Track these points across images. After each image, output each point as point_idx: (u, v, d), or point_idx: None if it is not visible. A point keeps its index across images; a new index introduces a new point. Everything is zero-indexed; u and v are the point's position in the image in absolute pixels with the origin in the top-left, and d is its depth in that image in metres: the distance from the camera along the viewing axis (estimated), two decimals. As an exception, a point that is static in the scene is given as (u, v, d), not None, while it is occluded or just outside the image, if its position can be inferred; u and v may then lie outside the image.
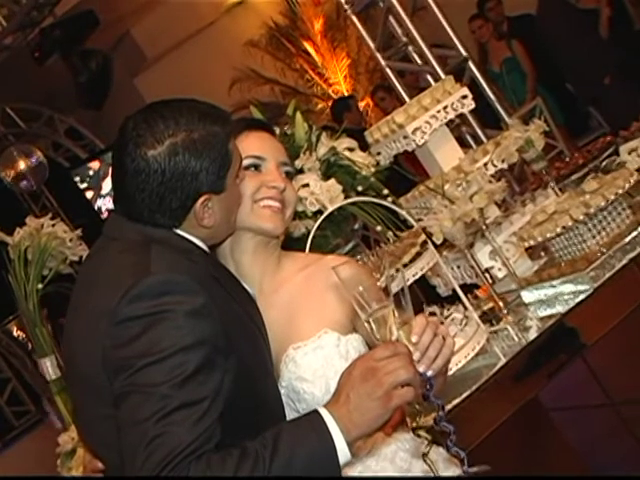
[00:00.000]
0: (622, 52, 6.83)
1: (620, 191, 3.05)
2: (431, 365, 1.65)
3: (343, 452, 1.56)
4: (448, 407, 1.95)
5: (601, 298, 2.92)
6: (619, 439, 3.12)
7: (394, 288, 1.63)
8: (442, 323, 2.73)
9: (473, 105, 3.69)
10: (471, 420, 2.60)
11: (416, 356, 1.63)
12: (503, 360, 2.83)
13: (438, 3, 5.15)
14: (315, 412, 1.59)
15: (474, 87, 4.92)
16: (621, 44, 6.90)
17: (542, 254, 3.42)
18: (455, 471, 1.89)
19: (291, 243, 2.41)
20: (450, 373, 2.39)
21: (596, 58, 6.74)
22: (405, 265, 2.74)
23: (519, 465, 2.82)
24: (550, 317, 2.97)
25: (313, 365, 1.85)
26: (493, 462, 1.69)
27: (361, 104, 8.76)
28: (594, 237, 3.06)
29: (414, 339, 1.64)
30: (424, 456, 1.73)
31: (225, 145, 1.76)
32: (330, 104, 8.68)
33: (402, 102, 4.62)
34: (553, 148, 5.82)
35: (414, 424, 1.69)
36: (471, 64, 5.34)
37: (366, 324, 1.66)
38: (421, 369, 1.64)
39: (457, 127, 4.77)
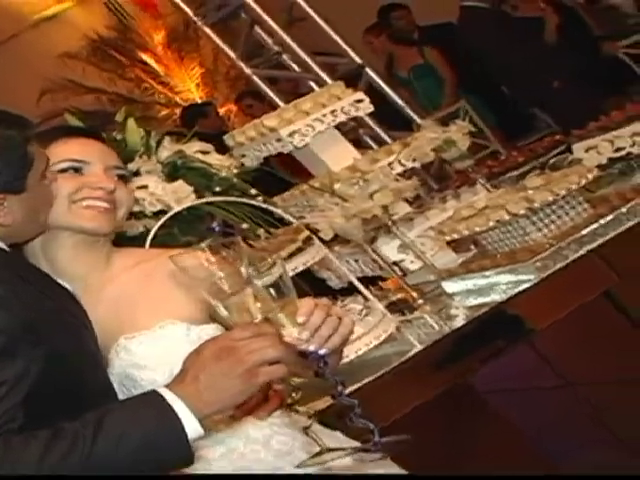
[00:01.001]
0: (578, 56, 6.93)
1: (574, 186, 3.07)
2: (324, 344, 1.67)
3: (193, 428, 1.53)
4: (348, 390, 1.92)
5: (552, 287, 2.97)
6: (572, 423, 3.12)
7: (273, 277, 1.63)
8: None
9: (371, 109, 3.77)
10: (377, 403, 2.58)
11: (304, 335, 1.64)
12: (418, 347, 2.89)
13: (319, 12, 5.19)
14: (153, 392, 1.57)
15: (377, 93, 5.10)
16: (576, 49, 7.03)
17: (472, 247, 3.46)
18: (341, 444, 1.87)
19: (126, 241, 2.42)
20: (346, 360, 2.51)
21: (542, 63, 6.85)
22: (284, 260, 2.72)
23: (445, 448, 2.83)
24: (481, 306, 3.03)
25: (152, 353, 1.86)
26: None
27: (221, 110, 8.81)
28: (539, 230, 3.07)
29: (300, 320, 1.65)
30: (305, 429, 1.78)
31: (23, 148, 1.81)
32: (179, 111, 8.72)
33: (275, 108, 4.58)
34: (485, 148, 5.92)
35: (289, 400, 1.70)
36: (369, 70, 5.39)
37: (218, 310, 1.65)
38: (312, 348, 1.65)
39: (353, 130, 4.83)
